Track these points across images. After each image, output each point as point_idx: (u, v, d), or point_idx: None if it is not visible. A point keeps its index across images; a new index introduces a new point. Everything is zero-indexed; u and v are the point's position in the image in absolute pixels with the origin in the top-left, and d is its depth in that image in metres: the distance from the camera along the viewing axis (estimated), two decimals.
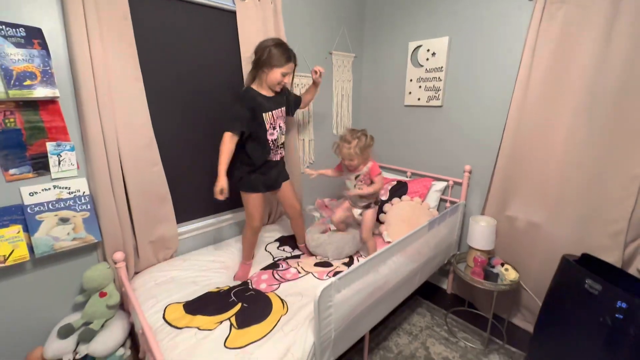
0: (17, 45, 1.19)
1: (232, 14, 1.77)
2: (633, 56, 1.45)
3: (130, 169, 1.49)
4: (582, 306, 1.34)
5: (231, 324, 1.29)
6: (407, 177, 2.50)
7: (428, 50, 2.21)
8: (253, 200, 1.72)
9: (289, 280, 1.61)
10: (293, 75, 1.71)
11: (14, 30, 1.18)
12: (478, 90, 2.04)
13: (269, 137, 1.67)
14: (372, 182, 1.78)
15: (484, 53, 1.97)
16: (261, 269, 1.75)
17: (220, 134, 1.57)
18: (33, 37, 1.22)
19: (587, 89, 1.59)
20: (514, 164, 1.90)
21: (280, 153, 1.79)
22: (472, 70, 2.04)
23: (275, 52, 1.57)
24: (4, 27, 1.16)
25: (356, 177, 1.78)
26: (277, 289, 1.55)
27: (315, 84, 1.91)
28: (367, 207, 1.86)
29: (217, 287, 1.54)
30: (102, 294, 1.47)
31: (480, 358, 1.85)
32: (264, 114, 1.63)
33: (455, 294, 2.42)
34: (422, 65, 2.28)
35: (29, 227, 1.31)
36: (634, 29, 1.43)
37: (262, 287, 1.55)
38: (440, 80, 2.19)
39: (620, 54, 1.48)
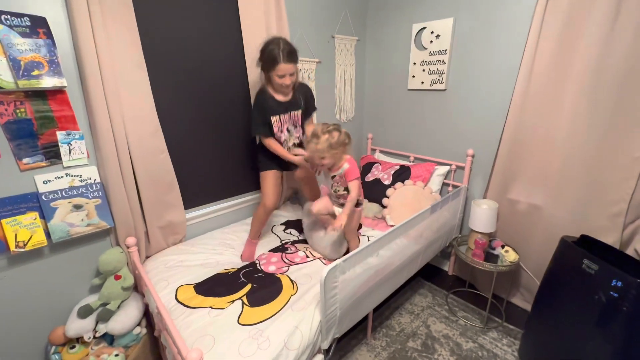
0: (23, 35, 1.20)
1: None
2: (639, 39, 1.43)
3: (138, 157, 1.52)
4: (579, 285, 1.38)
5: (243, 303, 1.36)
6: (410, 161, 2.52)
7: (432, 32, 2.18)
8: (268, 178, 1.79)
9: (297, 264, 1.67)
10: (296, 73, 1.64)
11: (19, 19, 1.19)
12: (482, 74, 2.02)
13: (279, 139, 1.77)
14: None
15: (489, 35, 1.94)
16: (269, 251, 1.81)
17: (225, 120, 1.61)
18: (38, 26, 1.23)
19: (591, 71, 1.58)
20: (516, 147, 1.91)
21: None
22: (476, 52, 2.02)
23: (266, 55, 1.56)
24: (9, 16, 1.17)
25: (332, 177, 1.62)
26: (286, 271, 1.60)
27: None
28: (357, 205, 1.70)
29: (225, 269, 1.60)
30: (117, 277, 1.54)
31: (480, 335, 1.92)
32: (271, 117, 1.69)
33: (456, 275, 2.49)
34: (425, 48, 2.25)
35: (45, 214, 1.36)
36: None
37: (272, 269, 1.61)
38: (444, 63, 2.17)
39: (627, 36, 1.46)
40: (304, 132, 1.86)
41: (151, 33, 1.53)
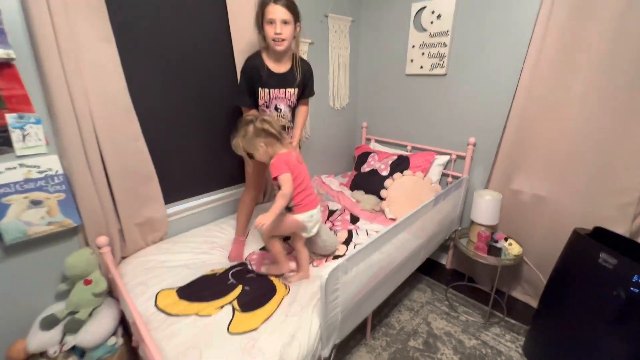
0: None
1: None
2: None
3: (108, 144, 1.32)
4: (595, 280, 1.30)
5: (234, 308, 1.20)
6: (407, 151, 2.39)
7: (433, 12, 2.03)
8: (248, 165, 1.58)
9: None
10: (295, 29, 1.39)
11: None
12: (486, 57, 1.90)
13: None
14: None
15: (494, 15, 1.81)
16: (260, 249, 1.65)
17: (209, 102, 1.43)
18: None
19: (603, 56, 1.48)
20: (521, 135, 1.81)
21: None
22: (480, 34, 1.89)
23: (259, 1, 1.34)
24: None
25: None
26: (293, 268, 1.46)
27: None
28: (289, 211, 1.40)
29: (212, 270, 1.44)
30: (87, 282, 1.36)
31: (482, 331, 1.84)
32: (259, 89, 1.46)
33: (454, 269, 2.41)
34: (425, 30, 2.10)
35: None
36: None
37: (264, 270, 1.45)
38: (446, 45, 2.04)
39: None
40: (293, 117, 1.65)
41: (119, 3, 1.32)
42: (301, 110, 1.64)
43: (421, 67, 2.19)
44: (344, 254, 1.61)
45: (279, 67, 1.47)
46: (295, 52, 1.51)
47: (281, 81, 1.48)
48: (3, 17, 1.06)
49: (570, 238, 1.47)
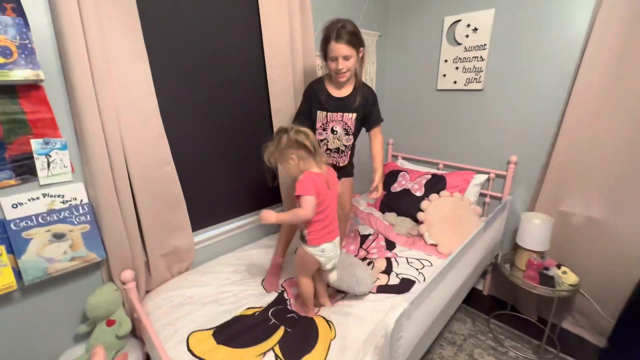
0: None
1: None
2: None
3: (138, 170, 1.21)
4: None
5: (276, 356, 1.06)
6: (438, 169, 2.27)
7: (468, 25, 1.95)
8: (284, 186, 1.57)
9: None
10: (360, 60, 1.39)
11: None
12: (529, 71, 1.80)
13: (318, 137, 1.49)
14: None
15: (540, 24, 1.71)
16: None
17: (243, 127, 1.39)
18: (3, 0, 0.92)
19: None
20: (573, 153, 1.68)
21: (334, 157, 1.55)
22: (524, 46, 1.79)
23: (323, 35, 1.34)
24: None
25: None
26: (318, 310, 1.31)
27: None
28: (302, 240, 1.25)
29: (249, 308, 1.30)
30: (110, 322, 1.22)
31: None
32: (317, 111, 1.47)
33: (492, 295, 2.24)
34: (460, 44, 2.01)
35: (14, 248, 1.03)
36: None
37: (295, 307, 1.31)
38: (483, 60, 1.94)
39: None
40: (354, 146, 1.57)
41: (153, 16, 1.23)
42: (376, 141, 1.55)
43: (455, 82, 2.09)
44: (386, 284, 1.46)
45: (340, 92, 1.46)
46: (358, 75, 1.45)
47: (340, 105, 1.46)
48: (32, 34, 0.97)
49: None
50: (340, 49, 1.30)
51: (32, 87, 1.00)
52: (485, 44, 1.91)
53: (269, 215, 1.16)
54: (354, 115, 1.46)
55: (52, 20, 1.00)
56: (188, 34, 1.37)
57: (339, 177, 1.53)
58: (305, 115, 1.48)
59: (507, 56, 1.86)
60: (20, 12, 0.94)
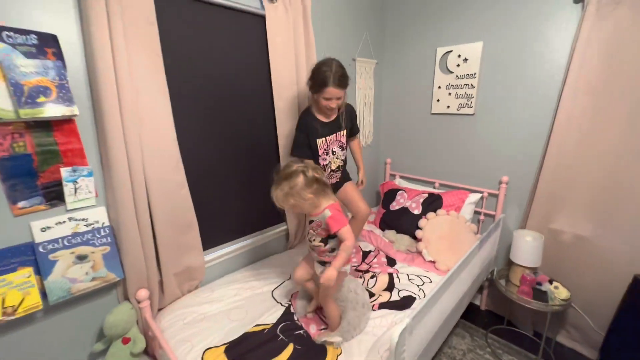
0: (28, 55, 1.00)
1: (261, 18, 1.61)
2: None
3: (157, 195, 1.30)
4: None
5: None
6: (434, 188, 2.38)
7: (459, 55, 2.11)
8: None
9: None
10: (344, 97, 1.53)
11: (23, 37, 0.99)
12: (516, 98, 1.94)
13: (321, 162, 1.64)
14: (330, 237, 1.25)
15: (525, 57, 1.87)
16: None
17: (249, 151, 1.60)
18: (46, 45, 1.03)
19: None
20: (560, 174, 1.80)
21: (336, 177, 1.74)
22: (510, 76, 1.94)
23: (316, 76, 1.46)
24: (12, 33, 0.97)
25: (310, 223, 1.29)
26: (325, 328, 1.38)
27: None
28: (320, 263, 1.34)
29: (258, 325, 1.36)
30: (126, 340, 1.28)
31: None
32: (317, 140, 1.59)
33: (489, 310, 2.31)
34: (452, 72, 2.17)
35: (41, 269, 1.10)
36: None
37: (312, 330, 1.36)
38: (473, 87, 2.09)
39: None
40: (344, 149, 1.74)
41: (173, 56, 1.35)
42: (355, 146, 1.87)
43: (448, 107, 2.24)
44: (387, 300, 1.54)
45: (329, 117, 1.62)
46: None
47: (332, 128, 1.62)
48: (68, 74, 1.08)
49: (630, 285, 1.41)
50: (336, 92, 1.45)
51: (65, 121, 1.10)
52: (475, 73, 2.06)
53: (332, 273, 1.15)
54: (345, 131, 1.68)
55: (87, 62, 1.11)
56: (203, 70, 1.49)
57: (341, 183, 1.76)
58: (307, 147, 1.60)
59: (495, 84, 2.01)
60: (59, 55, 1.06)
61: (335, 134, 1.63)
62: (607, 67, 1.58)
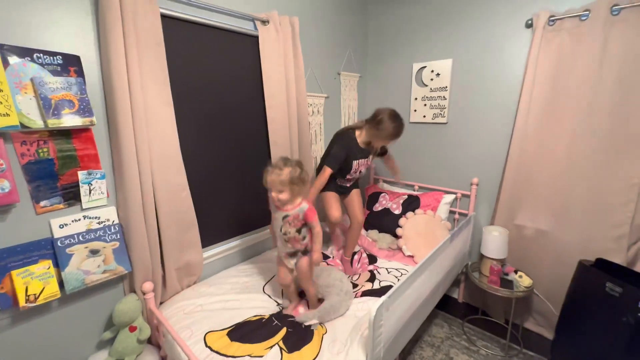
0: (54, 73, 1.16)
1: (255, 38, 1.81)
2: (622, 76, 1.64)
3: (163, 196, 1.45)
4: (603, 308, 1.44)
5: (281, 348, 1.27)
6: (414, 190, 2.59)
7: (432, 71, 2.35)
8: (328, 197, 1.95)
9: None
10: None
11: (51, 58, 1.15)
12: (483, 108, 2.19)
13: (349, 177, 1.95)
14: (303, 226, 1.44)
15: (488, 72, 2.12)
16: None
17: (244, 156, 1.81)
18: (69, 64, 1.19)
19: (585, 105, 1.75)
20: (520, 175, 2.04)
21: (350, 182, 2.05)
22: (476, 89, 2.19)
23: (389, 125, 1.77)
24: (41, 55, 1.13)
25: (284, 218, 1.43)
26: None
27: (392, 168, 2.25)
28: (304, 252, 1.51)
29: (256, 315, 1.50)
30: (132, 328, 1.40)
31: None
32: (353, 161, 1.88)
33: (466, 302, 2.51)
34: (426, 85, 2.41)
35: (59, 262, 1.23)
36: (623, 52, 1.62)
37: (301, 311, 1.53)
38: (445, 99, 2.33)
39: (612, 74, 1.66)
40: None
41: (176, 72, 1.52)
42: (391, 159, 2.23)
43: (424, 117, 2.47)
44: (370, 289, 1.71)
45: (363, 144, 1.93)
46: None
47: (365, 154, 1.94)
48: (87, 88, 1.23)
49: (576, 270, 1.63)
50: (394, 140, 1.85)
51: (83, 130, 1.25)
52: (446, 86, 2.30)
53: (318, 255, 1.47)
54: (371, 156, 2.01)
55: (103, 78, 1.28)
56: (203, 85, 1.66)
57: (351, 188, 2.07)
58: (339, 162, 1.84)
59: (464, 96, 2.26)
60: (80, 73, 1.22)
61: (366, 159, 1.95)
62: (553, 85, 1.85)
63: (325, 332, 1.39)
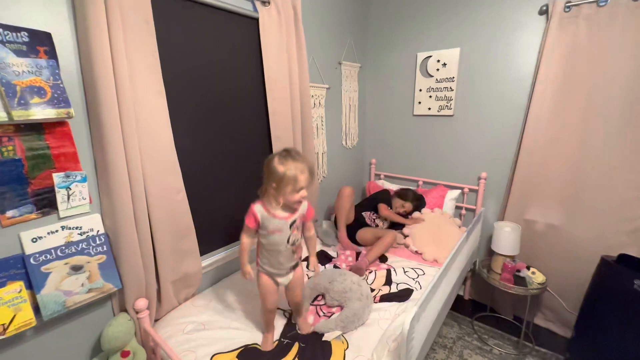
0: (18, 53, 0.94)
1: (254, 21, 1.62)
2: None
3: (155, 200, 1.26)
4: (632, 306, 1.39)
5: None
6: (417, 186, 2.49)
7: (438, 60, 2.24)
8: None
9: (335, 313, 1.47)
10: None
11: (14, 35, 0.93)
12: (492, 99, 2.10)
13: (374, 217, 2.21)
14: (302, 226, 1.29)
15: (498, 62, 2.03)
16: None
17: (243, 151, 1.66)
18: (38, 43, 0.97)
19: (601, 96, 1.70)
20: (532, 169, 1.97)
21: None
22: (485, 79, 2.10)
23: (417, 200, 2.14)
24: (1, 30, 0.91)
25: (291, 225, 1.22)
26: (326, 315, 1.40)
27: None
28: (294, 267, 1.32)
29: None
30: (125, 354, 1.21)
31: None
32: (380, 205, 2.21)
33: (472, 299, 2.45)
34: (432, 76, 2.30)
35: (33, 283, 1.02)
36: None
37: (311, 321, 1.38)
38: (452, 90, 2.23)
39: (631, 64, 1.60)
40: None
41: (168, 56, 1.32)
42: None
43: (429, 109, 2.36)
44: (388, 293, 1.59)
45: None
46: None
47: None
48: (62, 73, 1.02)
49: (598, 266, 1.58)
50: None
51: (57, 124, 1.04)
52: (453, 77, 2.20)
53: (317, 264, 1.38)
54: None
55: (81, 61, 1.06)
56: (198, 72, 1.46)
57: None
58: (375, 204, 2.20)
59: (472, 87, 2.16)
60: (52, 54, 1.00)
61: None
62: (568, 74, 1.77)
63: (347, 347, 1.25)
